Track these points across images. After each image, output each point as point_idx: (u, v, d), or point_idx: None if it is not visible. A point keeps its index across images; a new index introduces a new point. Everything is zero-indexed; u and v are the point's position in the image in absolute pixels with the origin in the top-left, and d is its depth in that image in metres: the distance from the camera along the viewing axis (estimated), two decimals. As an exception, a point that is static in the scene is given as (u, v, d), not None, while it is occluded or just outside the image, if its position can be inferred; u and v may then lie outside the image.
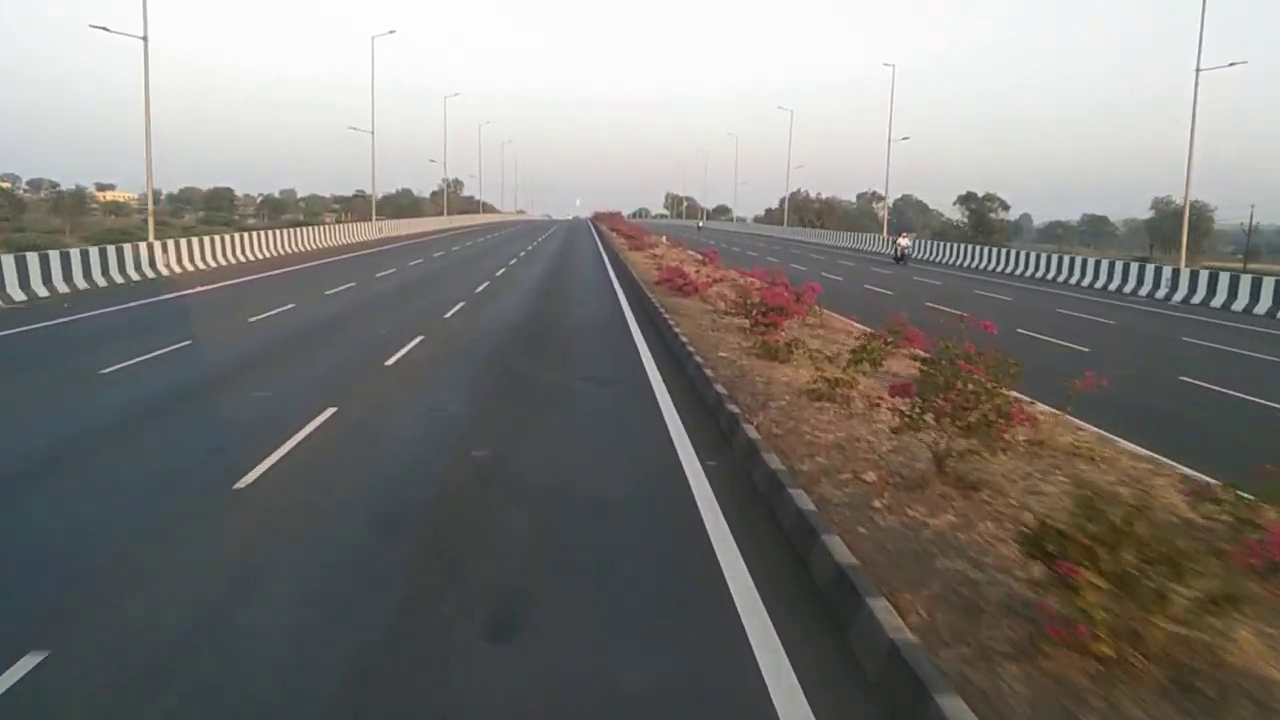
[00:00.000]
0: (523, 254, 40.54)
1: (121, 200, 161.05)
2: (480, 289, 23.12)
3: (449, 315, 17.47)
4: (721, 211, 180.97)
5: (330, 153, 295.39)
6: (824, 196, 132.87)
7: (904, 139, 56.85)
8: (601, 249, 46.17)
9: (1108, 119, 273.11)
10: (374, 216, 58.04)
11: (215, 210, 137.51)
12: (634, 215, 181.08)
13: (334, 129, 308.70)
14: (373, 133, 51.35)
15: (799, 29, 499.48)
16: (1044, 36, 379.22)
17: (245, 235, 34.47)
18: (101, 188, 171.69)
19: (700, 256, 32.13)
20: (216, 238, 31.50)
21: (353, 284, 23.94)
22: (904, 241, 45.73)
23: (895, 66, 57.35)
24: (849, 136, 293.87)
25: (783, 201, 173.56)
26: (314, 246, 40.60)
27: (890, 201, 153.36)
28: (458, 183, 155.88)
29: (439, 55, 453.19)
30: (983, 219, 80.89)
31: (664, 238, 49.89)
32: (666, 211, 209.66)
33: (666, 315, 15.83)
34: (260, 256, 34.16)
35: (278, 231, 38.25)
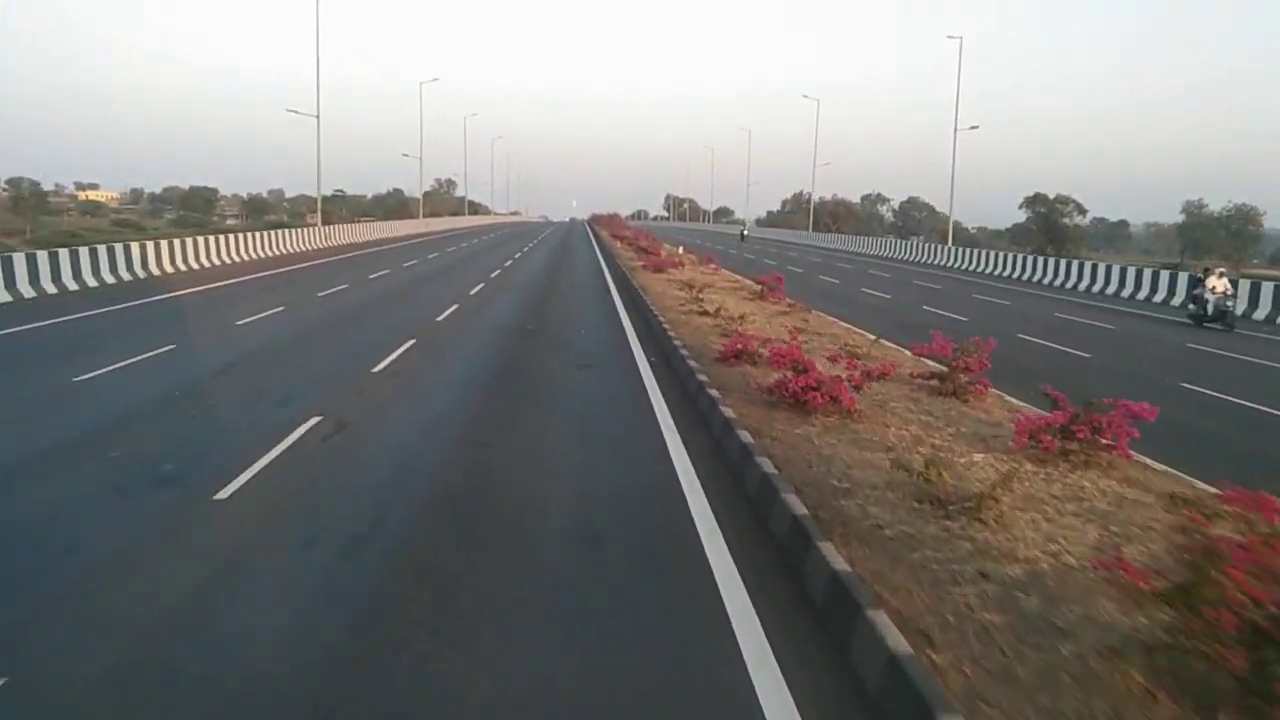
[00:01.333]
0: (495, 275, 29.12)
1: (102, 200, 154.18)
2: (383, 366, 12.17)
3: (244, 482, 6.80)
4: (723, 213, 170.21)
5: (326, 153, 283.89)
6: (837, 198, 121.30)
7: (973, 128, 45.95)
8: (604, 267, 33.81)
9: (1113, 120, 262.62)
10: (320, 220, 46.75)
11: (190, 211, 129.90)
12: (632, 217, 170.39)
13: (329, 129, 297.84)
14: (318, 116, 40.83)
15: (797, 29, 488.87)
16: (1045, 35, 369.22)
17: (137, 246, 25.11)
18: (81, 187, 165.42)
19: (758, 285, 21.36)
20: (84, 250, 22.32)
21: (174, 346, 13.32)
22: (1222, 284, 20.99)
23: (961, 39, 46.50)
24: (851, 138, 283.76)
25: (788, 203, 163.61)
26: (224, 261, 29.96)
27: (896, 202, 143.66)
28: (450, 183, 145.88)
29: (436, 55, 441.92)
30: (1054, 225, 69.17)
31: (681, 248, 38.97)
32: (666, 213, 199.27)
33: (841, 563, 5.06)
34: (146, 275, 24.43)
35: (180, 241, 27.99)
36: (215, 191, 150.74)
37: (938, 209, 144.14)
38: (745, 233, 77.89)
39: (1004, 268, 39.01)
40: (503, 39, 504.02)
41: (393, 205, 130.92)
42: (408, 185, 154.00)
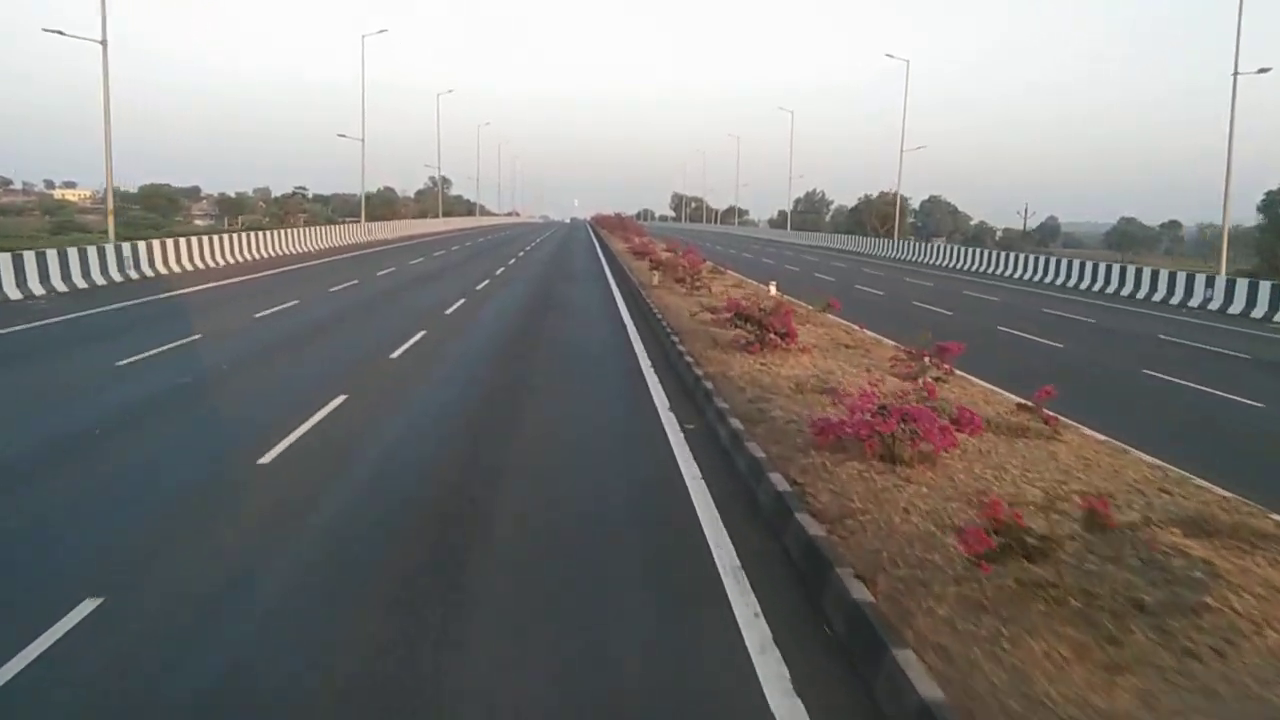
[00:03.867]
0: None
1: (72, 199, 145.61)
2: None
3: None
4: (734, 213, 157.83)
5: (313, 152, 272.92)
6: (885, 195, 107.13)
7: (1262, 70, 32.36)
8: (648, 374, 12.58)
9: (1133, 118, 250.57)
10: (112, 228, 29.70)
11: (150, 211, 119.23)
12: (637, 216, 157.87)
13: (306, 126, 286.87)
14: (103, 42, 27.18)
15: (803, 27, 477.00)
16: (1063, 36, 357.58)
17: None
18: (52, 185, 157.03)
19: None
20: None
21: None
22: None
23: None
24: (856, 137, 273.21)
25: (800, 202, 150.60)
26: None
27: (916, 202, 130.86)
28: (445, 180, 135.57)
29: (427, 51, 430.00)
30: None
31: (774, 286, 20.36)
32: (673, 212, 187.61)
33: None
34: None
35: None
36: (197, 190, 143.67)
37: (960, 209, 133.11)
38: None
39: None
40: (504, 39, 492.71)
41: (377, 204, 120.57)
42: (400, 184, 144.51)
